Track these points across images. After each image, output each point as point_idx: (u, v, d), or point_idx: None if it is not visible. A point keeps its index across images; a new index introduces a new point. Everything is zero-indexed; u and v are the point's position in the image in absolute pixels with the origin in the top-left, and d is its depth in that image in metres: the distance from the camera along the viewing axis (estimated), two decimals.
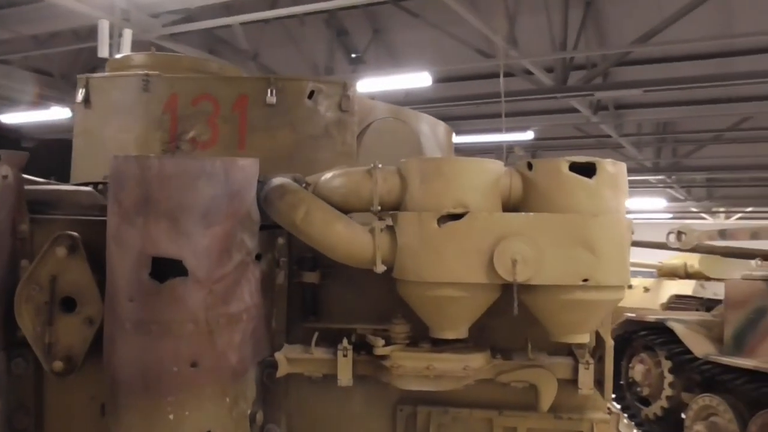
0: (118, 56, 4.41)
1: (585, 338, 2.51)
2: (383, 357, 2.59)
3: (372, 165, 2.56)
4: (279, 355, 2.69)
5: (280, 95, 3.68)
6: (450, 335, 2.54)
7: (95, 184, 3.49)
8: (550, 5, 10.50)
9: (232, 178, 2.51)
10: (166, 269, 2.42)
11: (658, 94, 12.94)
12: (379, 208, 2.54)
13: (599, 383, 2.62)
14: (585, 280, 2.37)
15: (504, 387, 2.71)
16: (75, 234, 2.72)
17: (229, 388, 2.54)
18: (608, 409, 2.80)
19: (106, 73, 4.10)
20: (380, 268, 2.52)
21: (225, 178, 2.49)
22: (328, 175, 2.71)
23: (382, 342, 2.58)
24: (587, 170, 2.44)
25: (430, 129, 4.51)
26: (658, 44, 10.55)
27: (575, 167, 2.43)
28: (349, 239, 2.53)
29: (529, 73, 10.95)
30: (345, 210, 2.59)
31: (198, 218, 2.44)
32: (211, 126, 3.83)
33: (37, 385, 2.86)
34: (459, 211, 2.42)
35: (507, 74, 11.80)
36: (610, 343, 2.58)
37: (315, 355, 2.69)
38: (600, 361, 2.61)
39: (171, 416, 2.44)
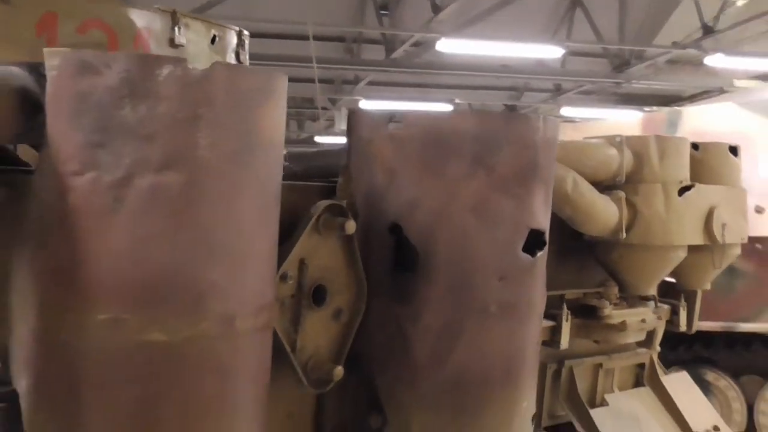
0: None
1: (709, 285, 3.16)
2: (605, 317, 2.77)
3: (617, 138, 2.70)
4: None
5: (187, 36, 3.27)
6: (651, 291, 2.89)
7: None
8: None
9: None
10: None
11: None
12: (624, 180, 2.72)
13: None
14: (742, 239, 3.03)
15: None
16: (341, 203, 2.13)
17: None
18: None
19: None
20: (623, 235, 2.71)
21: None
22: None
23: (608, 304, 2.76)
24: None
25: None
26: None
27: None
28: (606, 209, 2.65)
29: None
30: (589, 182, 2.67)
31: (548, 185, 2.26)
32: None
33: None
34: (687, 183, 2.80)
35: None
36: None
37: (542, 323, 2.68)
38: (690, 303, 3.26)
39: (525, 403, 2.24)
